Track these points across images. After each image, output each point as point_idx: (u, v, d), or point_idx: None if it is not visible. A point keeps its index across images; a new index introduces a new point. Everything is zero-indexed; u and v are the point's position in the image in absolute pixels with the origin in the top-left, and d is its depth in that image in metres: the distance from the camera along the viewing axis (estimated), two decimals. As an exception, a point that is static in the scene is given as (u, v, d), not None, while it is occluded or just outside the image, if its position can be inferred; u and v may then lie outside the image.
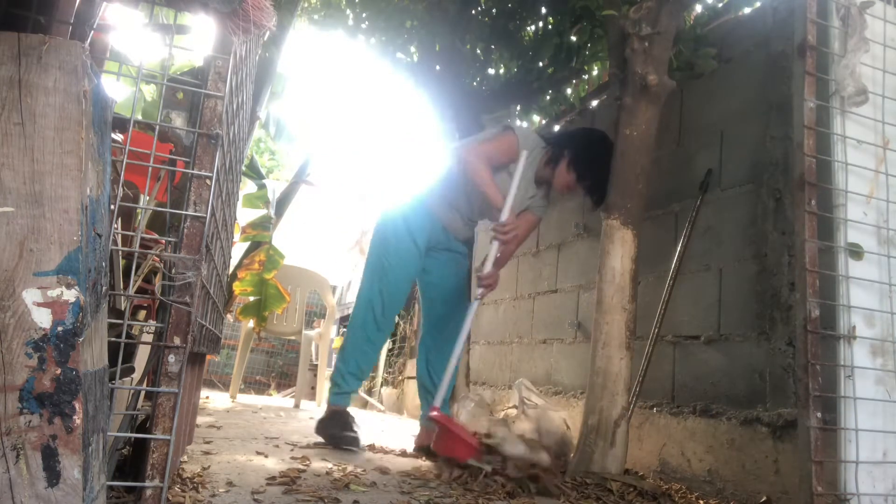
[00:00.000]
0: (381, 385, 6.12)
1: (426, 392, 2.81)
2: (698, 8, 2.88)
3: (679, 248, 2.51)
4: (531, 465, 2.00)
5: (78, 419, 0.86)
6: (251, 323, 4.24)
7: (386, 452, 2.62)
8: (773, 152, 2.26)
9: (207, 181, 1.31)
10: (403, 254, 2.70)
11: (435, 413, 2.25)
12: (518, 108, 3.68)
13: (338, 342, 7.82)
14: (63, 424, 0.86)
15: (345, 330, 8.57)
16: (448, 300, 2.83)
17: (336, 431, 2.60)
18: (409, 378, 5.24)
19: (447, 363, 2.68)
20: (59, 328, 0.87)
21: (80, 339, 0.88)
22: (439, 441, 2.18)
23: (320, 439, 2.69)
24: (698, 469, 2.29)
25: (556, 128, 3.80)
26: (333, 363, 2.83)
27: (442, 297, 2.84)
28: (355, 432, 2.61)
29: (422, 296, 2.94)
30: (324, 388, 5.82)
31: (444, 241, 2.79)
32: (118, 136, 1.77)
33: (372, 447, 2.69)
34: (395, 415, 5.35)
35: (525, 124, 4.15)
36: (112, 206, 1.20)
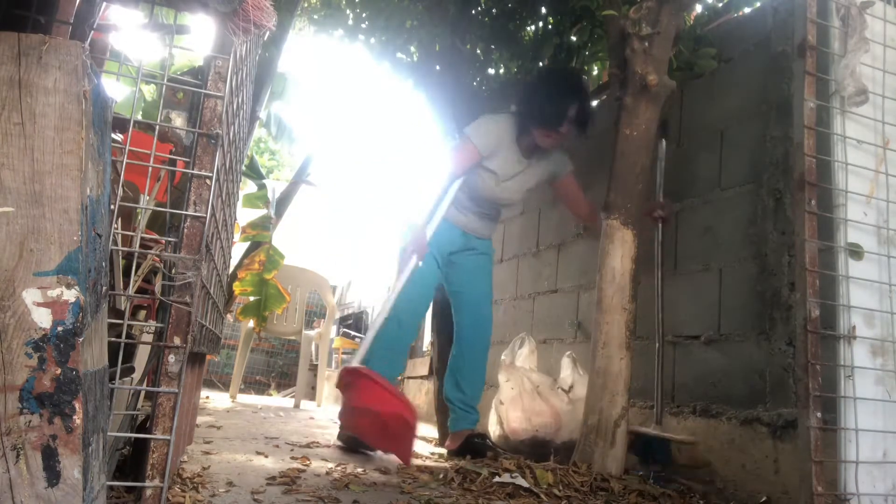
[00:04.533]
0: (382, 385, 6.11)
1: (452, 405, 2.80)
2: (698, 8, 2.88)
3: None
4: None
5: (78, 419, 0.86)
6: (251, 323, 4.24)
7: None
8: (773, 152, 2.26)
9: (207, 181, 1.31)
10: (424, 265, 2.67)
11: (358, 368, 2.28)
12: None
13: (338, 342, 7.81)
14: (63, 424, 0.86)
15: (346, 331, 8.53)
16: (472, 306, 2.84)
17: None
18: (410, 378, 5.23)
19: (476, 368, 2.80)
20: (59, 328, 0.87)
21: (80, 339, 0.88)
22: (360, 395, 2.21)
23: (318, 440, 2.69)
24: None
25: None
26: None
27: (467, 305, 2.83)
28: None
29: (452, 310, 2.91)
30: (324, 388, 5.83)
31: (463, 243, 2.82)
32: (118, 136, 1.77)
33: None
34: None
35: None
36: (112, 206, 1.20)
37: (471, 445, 2.62)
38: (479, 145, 2.61)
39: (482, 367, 2.83)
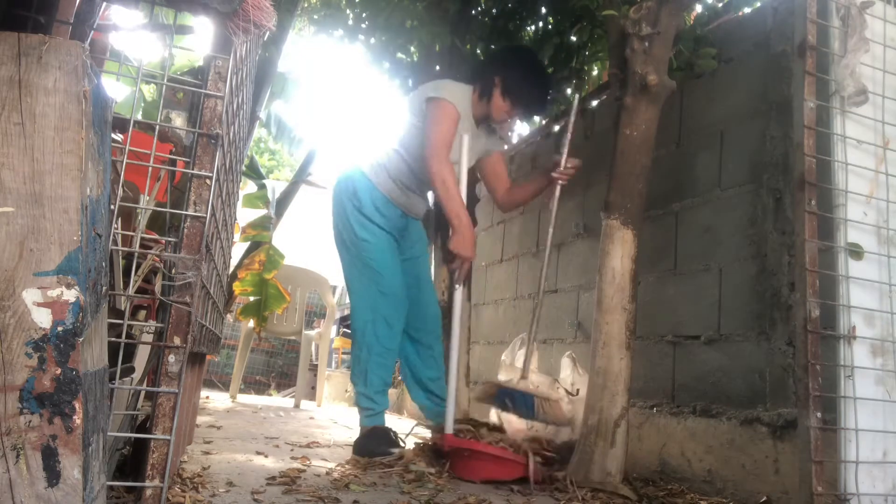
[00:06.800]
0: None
1: (419, 390, 2.74)
2: (698, 8, 2.87)
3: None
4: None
5: (78, 419, 0.86)
6: (251, 323, 4.24)
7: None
8: (773, 152, 2.26)
9: (207, 181, 1.31)
10: (385, 249, 2.59)
11: (450, 439, 2.24)
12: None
13: (338, 342, 7.81)
14: (63, 424, 0.86)
15: (346, 331, 8.48)
16: (423, 308, 2.74)
17: (384, 448, 2.46)
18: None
19: (435, 361, 2.71)
20: (59, 328, 0.87)
21: (80, 339, 0.88)
22: (467, 466, 2.19)
23: (318, 440, 2.69)
24: (698, 469, 2.29)
25: (556, 128, 3.80)
26: (350, 380, 2.75)
27: (417, 307, 2.72)
28: (401, 447, 2.51)
29: None
30: (324, 388, 5.83)
31: (403, 226, 2.68)
32: (118, 136, 1.77)
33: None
34: (395, 415, 5.34)
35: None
36: (112, 206, 1.20)
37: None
38: (457, 105, 2.41)
39: (442, 364, 2.72)
